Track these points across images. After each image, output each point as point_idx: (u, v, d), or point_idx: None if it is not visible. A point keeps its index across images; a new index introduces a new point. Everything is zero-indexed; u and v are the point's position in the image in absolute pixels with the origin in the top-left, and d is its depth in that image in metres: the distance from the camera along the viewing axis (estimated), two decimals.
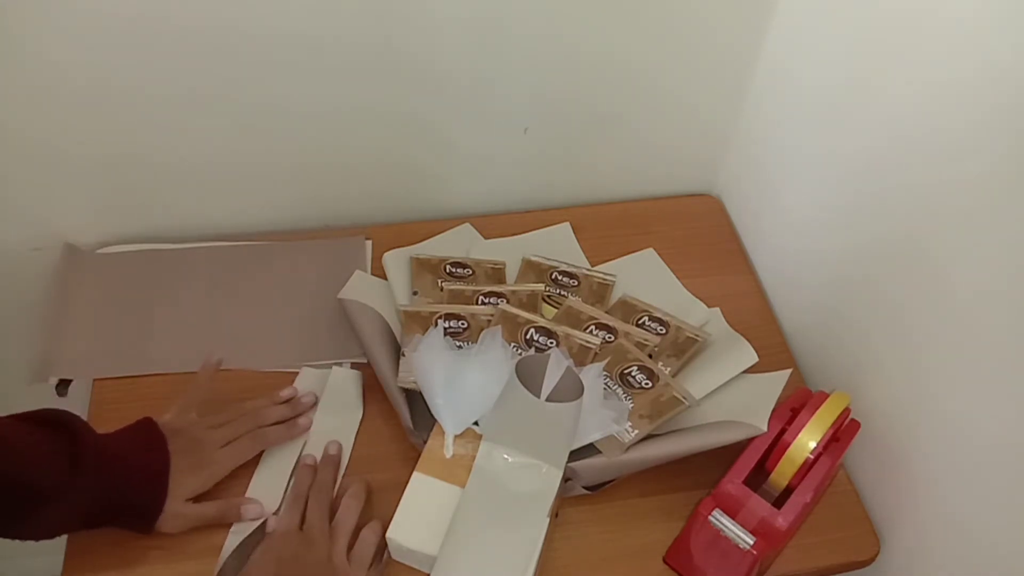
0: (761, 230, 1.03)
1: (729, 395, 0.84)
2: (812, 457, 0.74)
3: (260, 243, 0.99)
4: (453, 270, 0.94)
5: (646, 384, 0.83)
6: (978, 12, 0.65)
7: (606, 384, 0.83)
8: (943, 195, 0.71)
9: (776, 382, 0.83)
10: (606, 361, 0.84)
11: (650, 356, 0.87)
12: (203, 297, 0.94)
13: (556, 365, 0.75)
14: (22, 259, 0.96)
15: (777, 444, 0.75)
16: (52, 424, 0.70)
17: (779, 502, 0.74)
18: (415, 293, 0.92)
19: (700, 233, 1.05)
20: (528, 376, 0.74)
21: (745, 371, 0.86)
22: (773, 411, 0.78)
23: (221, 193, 0.98)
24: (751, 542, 0.71)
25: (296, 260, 0.98)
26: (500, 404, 0.76)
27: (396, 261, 0.96)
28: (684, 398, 0.82)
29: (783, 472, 0.74)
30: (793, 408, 0.78)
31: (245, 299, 0.94)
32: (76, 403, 0.86)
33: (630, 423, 0.79)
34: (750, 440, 0.77)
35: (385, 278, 0.94)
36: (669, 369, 0.86)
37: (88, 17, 0.79)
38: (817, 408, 0.74)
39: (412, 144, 0.98)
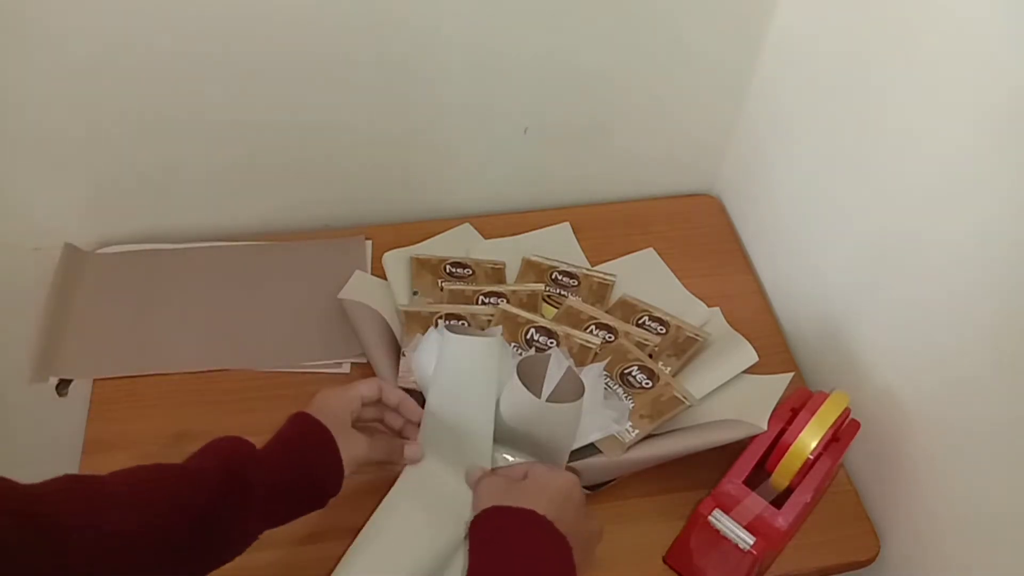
0: (761, 230, 1.03)
1: (729, 395, 0.84)
2: (812, 457, 0.74)
3: (260, 243, 0.99)
4: (453, 270, 0.94)
5: (646, 384, 0.83)
6: (971, 22, 0.65)
7: (606, 384, 0.83)
8: (939, 194, 0.71)
9: (777, 385, 0.83)
10: (606, 361, 0.84)
11: (650, 356, 0.87)
12: (203, 297, 0.94)
13: (556, 365, 0.75)
14: (22, 259, 0.96)
15: (777, 444, 0.75)
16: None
17: (779, 502, 0.74)
18: (415, 293, 0.92)
19: (700, 233, 1.05)
20: (528, 376, 0.74)
21: (745, 371, 0.86)
22: (773, 411, 0.78)
23: (221, 193, 0.98)
24: (751, 542, 0.71)
25: (296, 260, 0.98)
26: (500, 404, 0.76)
27: (396, 261, 0.96)
28: (684, 398, 0.82)
29: (783, 472, 0.75)
30: (793, 408, 0.78)
31: (245, 299, 0.94)
32: (76, 403, 0.86)
33: (630, 423, 0.79)
34: (750, 440, 0.77)
35: (385, 278, 0.94)
36: (669, 369, 0.86)
37: (88, 17, 0.79)
38: (817, 408, 0.74)
39: (412, 143, 0.97)
